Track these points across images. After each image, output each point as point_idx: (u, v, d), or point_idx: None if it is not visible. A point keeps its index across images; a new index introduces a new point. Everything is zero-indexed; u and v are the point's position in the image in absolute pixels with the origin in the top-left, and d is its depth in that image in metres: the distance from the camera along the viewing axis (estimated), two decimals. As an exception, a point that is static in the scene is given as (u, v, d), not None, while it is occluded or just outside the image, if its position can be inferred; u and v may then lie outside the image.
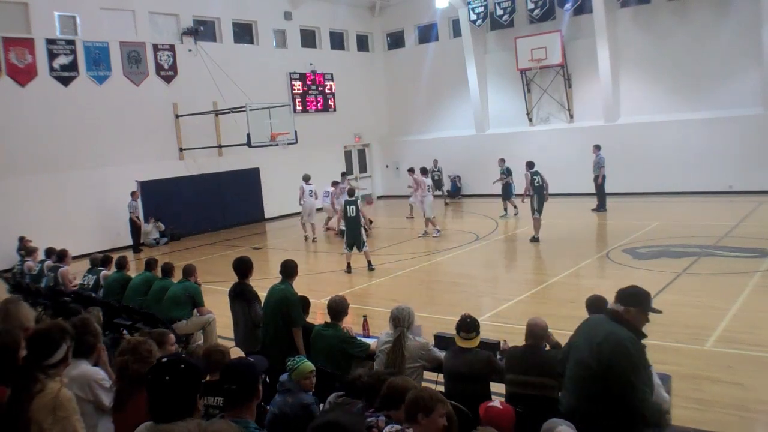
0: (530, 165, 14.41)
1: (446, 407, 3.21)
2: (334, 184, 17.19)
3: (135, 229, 17.28)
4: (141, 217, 17.50)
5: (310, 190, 16.69)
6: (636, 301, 3.79)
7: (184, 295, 7.59)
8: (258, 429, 3.00)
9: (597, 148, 17.66)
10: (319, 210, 17.53)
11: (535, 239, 13.91)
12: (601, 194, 17.57)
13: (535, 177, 14.05)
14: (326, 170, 21.68)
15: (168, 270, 8.26)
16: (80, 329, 3.71)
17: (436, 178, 22.26)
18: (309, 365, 4.30)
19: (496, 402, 3.70)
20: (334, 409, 3.89)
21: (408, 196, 16.78)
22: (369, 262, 12.52)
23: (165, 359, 2.73)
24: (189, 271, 7.91)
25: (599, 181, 17.49)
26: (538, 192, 14.04)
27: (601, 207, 17.49)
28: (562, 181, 20.52)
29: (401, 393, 3.34)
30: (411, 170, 19.99)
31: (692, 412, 5.27)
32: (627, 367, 3.58)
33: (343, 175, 19.56)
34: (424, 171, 16.76)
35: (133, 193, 17.17)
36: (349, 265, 12.57)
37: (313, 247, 16.12)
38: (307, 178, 16.86)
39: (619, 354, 3.60)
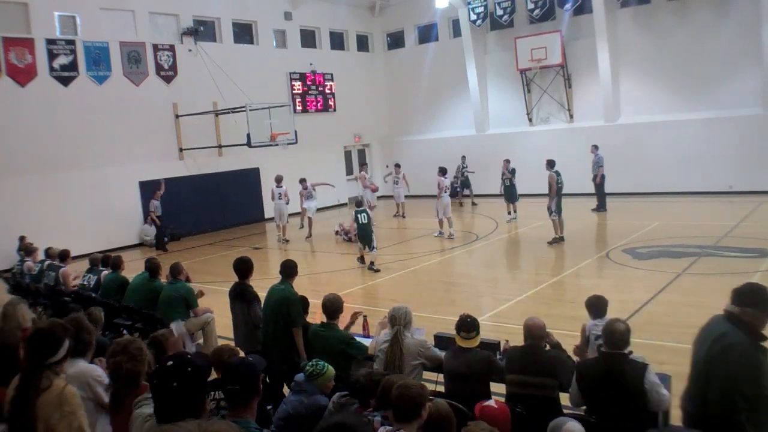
0: (552, 164, 13.85)
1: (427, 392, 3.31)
2: (302, 182, 17.21)
3: (158, 227, 17.10)
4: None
5: (280, 193, 16.58)
6: (753, 300, 3.41)
7: (174, 297, 7.42)
8: (258, 429, 2.99)
9: (595, 148, 17.66)
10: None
11: (560, 239, 13.56)
12: (600, 194, 17.56)
13: (559, 177, 13.60)
14: (326, 170, 21.73)
15: (154, 270, 8.04)
16: (76, 327, 3.72)
17: (465, 176, 21.42)
18: (333, 370, 4.34)
19: (491, 402, 3.70)
20: (340, 410, 3.89)
21: (433, 197, 16.00)
22: (372, 263, 12.55)
23: (170, 363, 2.68)
24: (177, 270, 7.68)
25: (598, 181, 17.49)
26: (559, 192, 13.66)
27: (600, 207, 17.47)
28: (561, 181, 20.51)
29: None
30: (397, 165, 19.75)
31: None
32: (731, 373, 3.32)
33: (363, 165, 19.94)
34: (443, 171, 15.85)
35: (155, 193, 16.87)
36: (362, 258, 12.83)
37: (313, 247, 16.12)
38: (278, 180, 16.73)
39: (726, 358, 3.34)
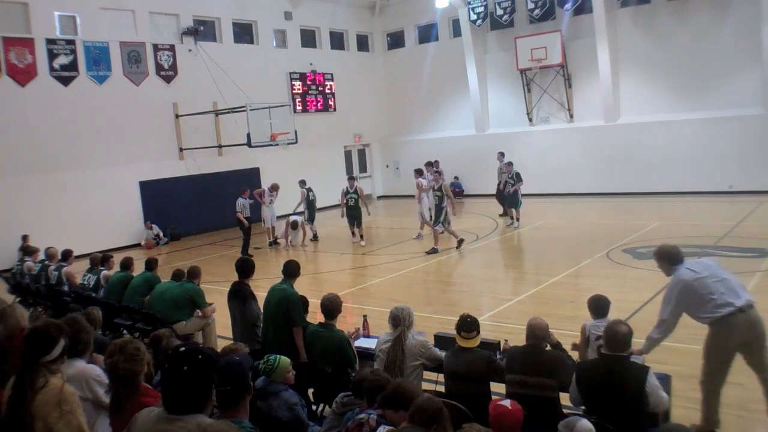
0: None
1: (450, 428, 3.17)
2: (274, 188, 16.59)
3: (244, 230, 15.21)
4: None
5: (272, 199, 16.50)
6: None
7: (184, 297, 7.57)
8: (253, 428, 3.00)
9: (502, 155, 17.74)
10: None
11: (435, 250, 13.54)
12: (502, 199, 17.28)
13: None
14: (326, 170, 21.73)
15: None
16: (74, 328, 3.72)
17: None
18: (286, 359, 4.19)
19: (506, 402, 3.58)
20: (344, 410, 3.84)
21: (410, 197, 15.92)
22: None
23: (182, 348, 2.70)
24: (194, 274, 7.88)
25: (502, 188, 17.06)
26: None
27: (506, 212, 17.14)
28: (562, 181, 20.49)
29: (408, 397, 3.32)
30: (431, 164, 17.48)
31: (692, 412, 5.26)
32: None
33: (430, 164, 16.84)
34: (419, 172, 15.91)
35: (243, 191, 15.55)
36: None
37: (312, 248, 16.11)
38: (277, 187, 16.54)
39: None
